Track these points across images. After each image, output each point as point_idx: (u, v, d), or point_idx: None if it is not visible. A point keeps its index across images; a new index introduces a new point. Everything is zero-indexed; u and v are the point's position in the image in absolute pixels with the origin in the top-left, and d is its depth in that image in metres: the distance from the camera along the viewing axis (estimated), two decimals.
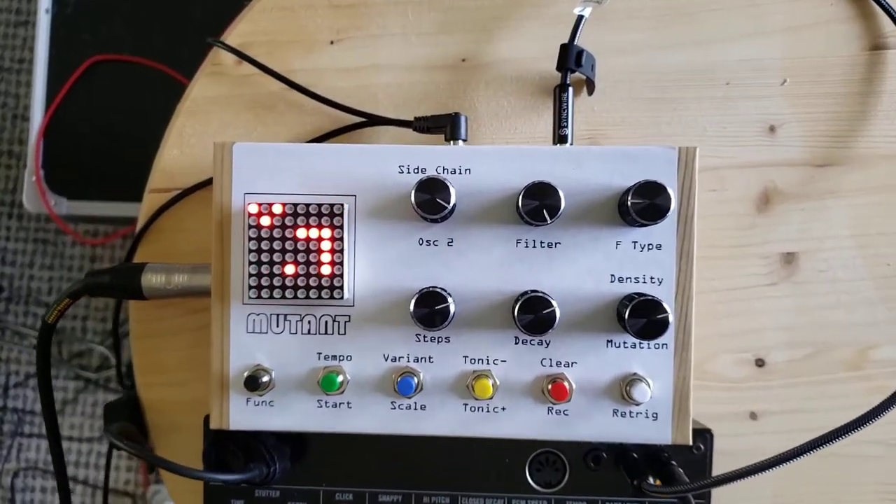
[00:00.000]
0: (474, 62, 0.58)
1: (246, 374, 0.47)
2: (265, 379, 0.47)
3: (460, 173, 0.47)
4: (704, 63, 0.58)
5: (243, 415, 0.48)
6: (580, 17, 0.54)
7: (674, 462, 0.49)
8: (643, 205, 0.43)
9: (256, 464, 0.48)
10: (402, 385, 0.45)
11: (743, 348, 0.57)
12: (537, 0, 0.58)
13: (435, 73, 0.58)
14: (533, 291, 0.45)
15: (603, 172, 0.46)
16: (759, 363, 0.57)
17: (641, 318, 0.43)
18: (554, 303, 0.44)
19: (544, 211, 0.44)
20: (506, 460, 0.52)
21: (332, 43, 0.59)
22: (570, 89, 0.54)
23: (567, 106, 0.53)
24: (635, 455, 0.49)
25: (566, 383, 0.45)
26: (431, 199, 0.44)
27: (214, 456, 0.50)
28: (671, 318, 0.43)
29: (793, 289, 0.57)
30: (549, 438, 0.46)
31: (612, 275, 0.46)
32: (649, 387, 0.45)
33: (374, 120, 0.57)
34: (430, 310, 0.44)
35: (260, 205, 0.46)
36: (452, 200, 0.44)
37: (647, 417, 0.46)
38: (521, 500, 0.52)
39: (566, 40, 0.54)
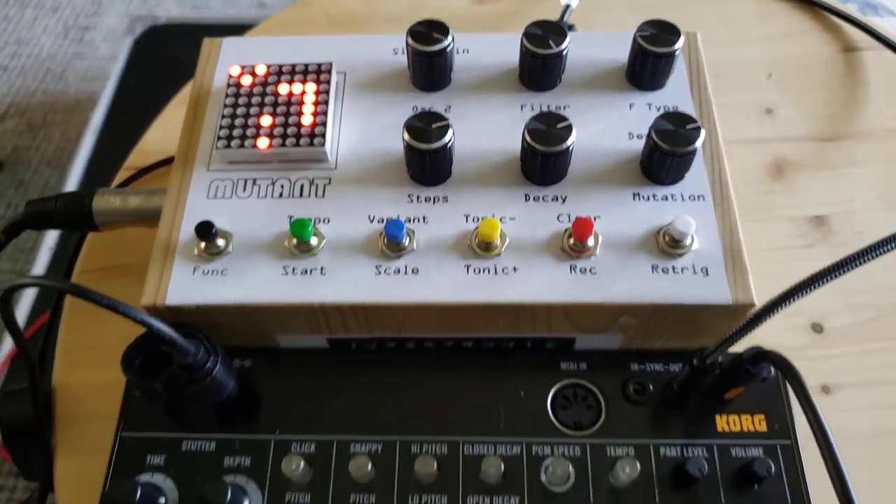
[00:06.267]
0: None
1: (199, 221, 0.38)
2: (220, 242, 0.38)
3: (458, 53, 0.45)
4: None
5: (186, 287, 0.37)
6: (567, 7, 0.57)
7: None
8: (652, 33, 0.41)
9: (196, 344, 0.36)
10: (391, 228, 0.37)
11: (794, 312, 0.48)
12: None
13: None
14: None
15: (608, 50, 0.45)
16: (817, 328, 0.48)
17: (669, 125, 0.37)
18: (570, 119, 0.38)
19: (549, 41, 0.41)
20: (521, 393, 0.40)
21: None
22: None
23: None
24: (694, 362, 0.38)
25: (591, 224, 0.37)
26: (427, 33, 0.41)
27: (138, 362, 0.37)
28: (702, 132, 0.38)
29: (832, 251, 0.50)
30: (575, 301, 0.36)
31: (630, 132, 0.41)
32: (691, 230, 0.37)
33: None
34: (426, 126, 0.38)
35: (243, 67, 0.43)
36: (450, 39, 0.41)
37: (696, 273, 0.37)
38: (544, 445, 0.38)
39: None
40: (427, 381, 0.40)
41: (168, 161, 0.54)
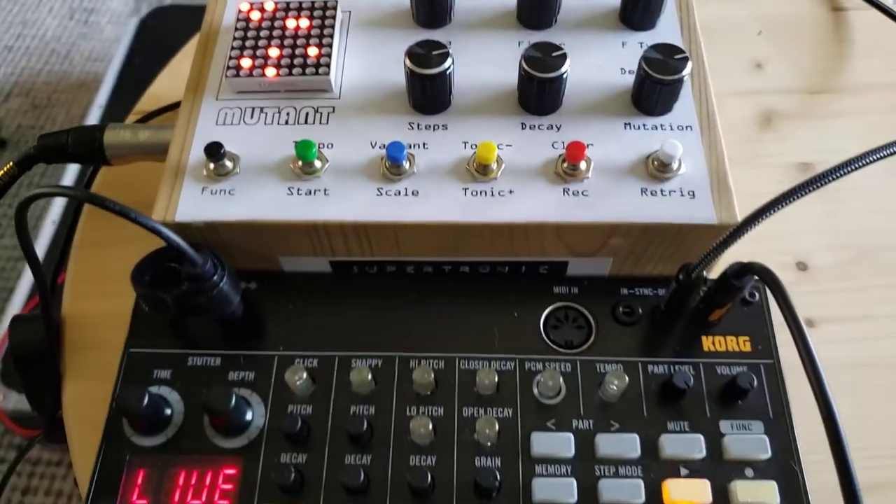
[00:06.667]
0: None
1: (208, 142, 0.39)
2: (228, 163, 0.40)
3: None
4: None
5: (195, 205, 0.39)
6: None
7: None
8: None
9: (204, 256, 0.38)
10: (393, 150, 0.39)
11: (780, 251, 0.50)
12: None
13: None
14: None
15: None
16: (802, 266, 0.49)
17: (658, 55, 0.39)
18: (564, 49, 0.40)
19: None
20: (514, 314, 0.42)
21: None
22: None
23: None
24: (680, 277, 0.39)
25: (583, 147, 0.39)
26: None
27: (148, 278, 0.39)
28: (690, 62, 0.39)
29: (819, 195, 0.51)
30: (568, 221, 0.38)
31: (623, 68, 0.43)
32: (679, 153, 0.39)
33: None
34: (426, 53, 0.39)
35: (252, 3, 0.44)
36: None
37: (683, 196, 0.39)
38: (536, 362, 0.40)
39: None
40: (425, 303, 0.42)
41: (176, 106, 0.55)
